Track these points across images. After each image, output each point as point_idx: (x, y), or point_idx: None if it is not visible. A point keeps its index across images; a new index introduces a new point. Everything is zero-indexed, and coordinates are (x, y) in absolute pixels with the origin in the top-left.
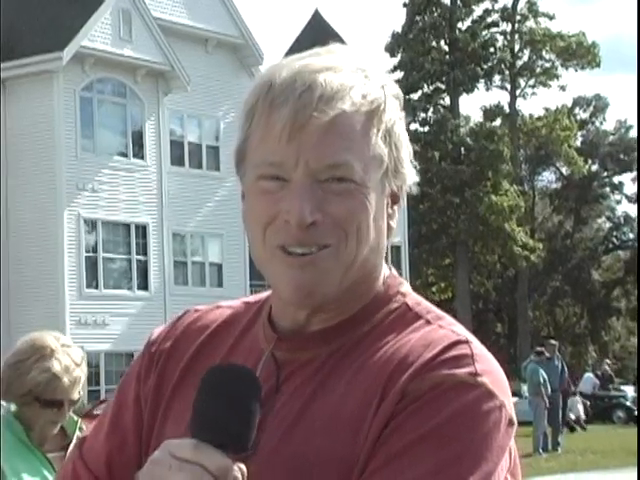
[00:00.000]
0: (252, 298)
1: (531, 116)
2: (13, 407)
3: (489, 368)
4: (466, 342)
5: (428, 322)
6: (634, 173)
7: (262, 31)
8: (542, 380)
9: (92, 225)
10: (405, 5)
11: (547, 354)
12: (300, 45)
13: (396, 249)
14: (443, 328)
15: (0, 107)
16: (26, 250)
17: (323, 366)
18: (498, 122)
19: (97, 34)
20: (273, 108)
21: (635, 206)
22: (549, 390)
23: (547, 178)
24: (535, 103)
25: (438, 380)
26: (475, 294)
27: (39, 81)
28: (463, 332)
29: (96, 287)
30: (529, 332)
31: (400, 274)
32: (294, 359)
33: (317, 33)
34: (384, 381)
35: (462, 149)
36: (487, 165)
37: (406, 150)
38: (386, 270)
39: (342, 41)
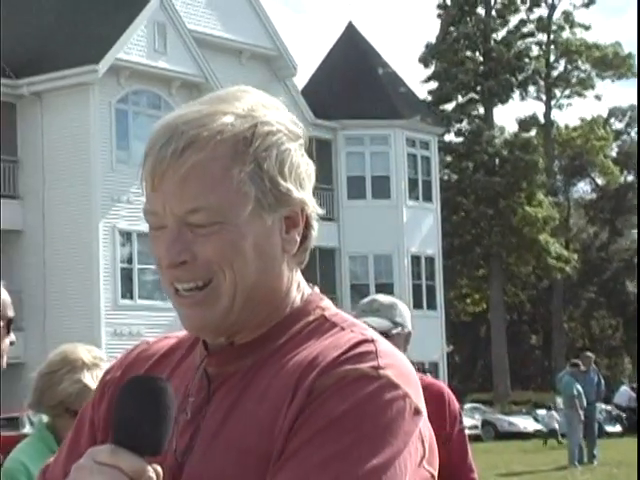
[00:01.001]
0: None
1: (566, 126)
2: (45, 418)
3: (393, 362)
4: (372, 341)
5: (342, 329)
6: None
7: (296, 43)
8: (576, 393)
9: (127, 237)
10: (439, 16)
11: (582, 367)
12: (333, 57)
13: (430, 260)
14: (353, 332)
15: (37, 119)
16: (62, 261)
17: (244, 377)
18: (533, 133)
19: (132, 47)
20: (144, 161)
21: None
22: (584, 403)
23: (582, 189)
24: (570, 113)
25: (342, 374)
26: (509, 306)
27: (75, 93)
28: (372, 334)
29: (131, 298)
30: (564, 344)
31: (434, 285)
32: (222, 372)
33: (351, 45)
34: (295, 380)
35: (497, 160)
36: (522, 176)
37: (294, 178)
38: (307, 289)
39: (376, 53)
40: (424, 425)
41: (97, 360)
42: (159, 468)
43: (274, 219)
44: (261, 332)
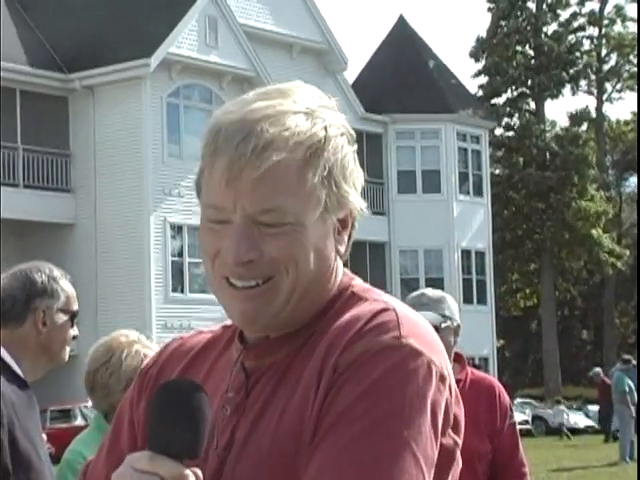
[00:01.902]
0: (230, 321)
1: (618, 121)
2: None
3: (415, 330)
4: (392, 309)
5: (365, 300)
6: None
7: (347, 37)
8: (628, 389)
9: (178, 230)
10: (490, 10)
11: (634, 362)
12: (384, 50)
13: (480, 255)
14: (375, 302)
15: (89, 113)
16: (113, 254)
17: (280, 367)
18: (584, 127)
19: (184, 41)
20: (215, 156)
21: None
22: (635, 399)
23: (634, 183)
24: (622, 108)
25: (365, 348)
26: (561, 301)
27: (127, 87)
28: (393, 302)
29: (182, 291)
30: (615, 339)
31: (484, 280)
32: (260, 366)
33: (401, 38)
34: (321, 362)
35: (547, 154)
36: (573, 170)
37: (352, 182)
38: (341, 274)
39: (427, 47)
40: (449, 391)
41: (135, 336)
42: (199, 471)
43: (332, 221)
44: (299, 325)
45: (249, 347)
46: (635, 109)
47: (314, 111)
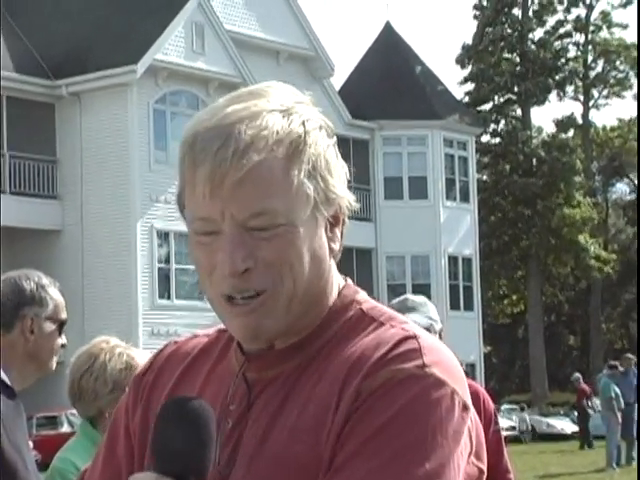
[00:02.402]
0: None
1: (604, 127)
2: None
3: (438, 359)
4: (414, 337)
5: (381, 323)
6: None
7: (333, 43)
8: (614, 394)
9: (165, 237)
10: (476, 17)
11: (621, 368)
12: (371, 57)
13: (467, 261)
14: (394, 327)
15: (76, 120)
16: (100, 261)
17: (287, 380)
18: (571, 133)
19: (170, 47)
20: (195, 167)
21: None
22: (622, 404)
23: (621, 189)
24: (608, 114)
25: (388, 376)
26: (547, 306)
27: (114, 94)
28: (413, 329)
29: (168, 298)
30: (602, 345)
31: (471, 286)
32: (262, 378)
33: (388, 45)
34: (340, 384)
35: (534, 161)
36: (559, 177)
37: (338, 175)
38: (341, 281)
39: (414, 53)
40: (471, 419)
41: (119, 346)
42: None
43: (323, 218)
44: (303, 335)
45: (251, 358)
46: (621, 115)
47: (290, 108)
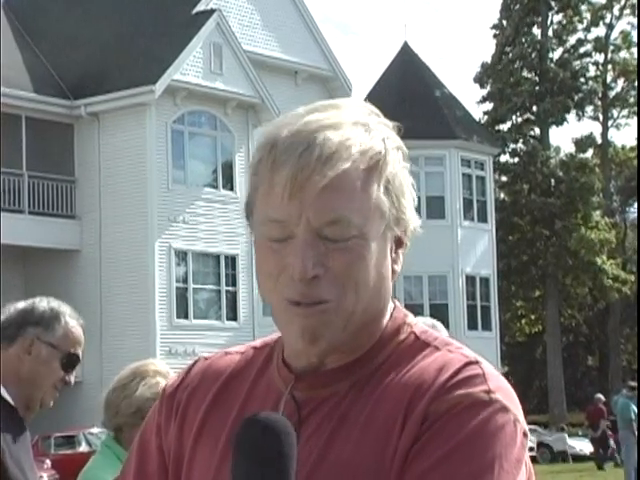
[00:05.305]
0: (258, 342)
1: (623, 147)
2: (111, 434)
3: (500, 385)
4: (476, 362)
5: (437, 348)
6: None
7: (351, 63)
8: (633, 416)
9: (182, 256)
10: (495, 36)
11: None
12: (389, 77)
13: (485, 281)
14: (452, 352)
15: (94, 140)
16: (118, 280)
17: (342, 401)
18: (589, 153)
19: (189, 67)
20: (275, 168)
21: None
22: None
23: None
24: (628, 134)
25: (456, 401)
26: (565, 327)
27: (132, 114)
28: (471, 354)
29: (186, 317)
30: (621, 365)
31: (489, 306)
32: (313, 397)
33: (406, 65)
34: (404, 407)
35: (552, 181)
36: (578, 197)
37: (409, 198)
38: (391, 304)
39: (431, 73)
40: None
41: (165, 369)
42: None
43: (391, 238)
44: (357, 355)
45: (300, 377)
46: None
47: (369, 123)
